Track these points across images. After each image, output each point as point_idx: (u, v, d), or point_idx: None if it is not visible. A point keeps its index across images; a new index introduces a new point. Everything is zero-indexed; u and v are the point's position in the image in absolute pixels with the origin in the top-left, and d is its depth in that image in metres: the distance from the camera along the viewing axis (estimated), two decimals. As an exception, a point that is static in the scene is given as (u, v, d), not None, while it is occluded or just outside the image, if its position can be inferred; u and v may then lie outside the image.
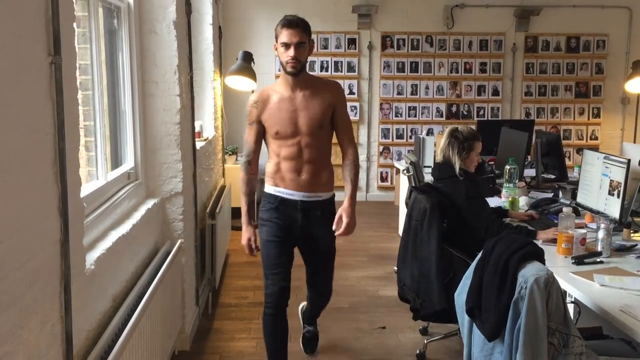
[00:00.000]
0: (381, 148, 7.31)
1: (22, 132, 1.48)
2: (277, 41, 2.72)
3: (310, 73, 2.90)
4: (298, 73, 2.72)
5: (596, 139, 7.28)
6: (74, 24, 1.88)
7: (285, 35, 2.67)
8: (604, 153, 3.27)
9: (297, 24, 2.68)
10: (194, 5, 4.09)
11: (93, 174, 2.69)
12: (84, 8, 2.58)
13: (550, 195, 3.88)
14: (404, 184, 5.46)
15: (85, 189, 2.30)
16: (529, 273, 1.96)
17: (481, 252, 2.26)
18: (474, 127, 5.90)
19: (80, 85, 2.37)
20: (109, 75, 2.89)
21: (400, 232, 4.52)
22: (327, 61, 7.13)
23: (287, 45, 2.68)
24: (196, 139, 3.96)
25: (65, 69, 1.71)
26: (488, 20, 7.04)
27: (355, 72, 7.19)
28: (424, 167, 5.02)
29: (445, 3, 7.02)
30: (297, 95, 2.77)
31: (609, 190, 3.06)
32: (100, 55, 2.69)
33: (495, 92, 7.23)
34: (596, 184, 3.20)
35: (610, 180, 3.06)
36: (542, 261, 2.05)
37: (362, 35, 7.17)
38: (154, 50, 3.09)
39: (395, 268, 3.41)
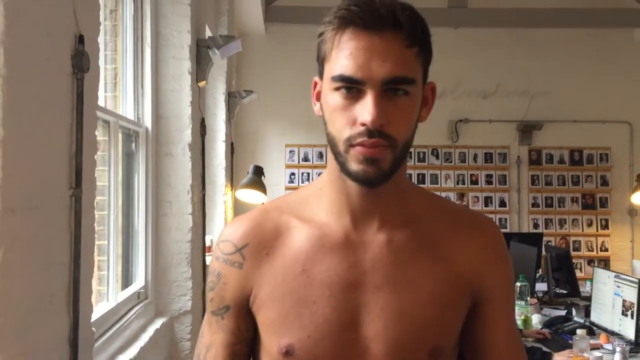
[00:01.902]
0: (390, 259, 7.29)
1: (39, 263, 1.52)
2: (320, 76, 0.95)
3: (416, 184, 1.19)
4: (385, 178, 0.92)
5: (606, 250, 7.24)
6: (95, 156, 1.97)
7: (351, 55, 0.88)
8: (615, 272, 3.26)
9: (393, 20, 0.87)
10: (208, 124, 4.27)
11: (103, 294, 2.71)
12: (105, 133, 2.71)
13: (563, 312, 3.82)
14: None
15: (96, 312, 2.31)
16: (545, 405, 1.91)
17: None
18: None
19: (97, 205, 2.45)
20: (125, 196, 2.98)
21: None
22: (335, 173, 7.30)
23: (352, 86, 0.88)
24: (206, 254, 3.99)
25: (84, 200, 1.78)
26: (491, 134, 7.25)
27: (363, 183, 7.33)
28: (434, 280, 4.99)
29: (450, 118, 7.26)
30: (369, 241, 0.98)
31: (623, 311, 3.02)
32: (117, 177, 2.80)
33: (502, 204, 7.30)
34: (609, 303, 3.16)
35: (623, 300, 3.03)
36: (558, 391, 2.00)
37: (369, 149, 7.36)
38: (169, 172, 3.19)
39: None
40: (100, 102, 2.39)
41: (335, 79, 0.89)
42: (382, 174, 0.90)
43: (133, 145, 3.04)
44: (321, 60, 0.94)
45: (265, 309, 0.97)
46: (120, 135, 2.81)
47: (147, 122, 3.08)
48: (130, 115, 2.95)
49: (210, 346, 1.03)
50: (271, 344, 0.96)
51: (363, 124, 0.87)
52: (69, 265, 1.69)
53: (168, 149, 3.20)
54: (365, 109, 0.87)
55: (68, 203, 1.69)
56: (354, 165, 0.90)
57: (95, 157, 1.98)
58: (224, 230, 1.05)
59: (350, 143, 0.90)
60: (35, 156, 1.48)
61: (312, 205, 1.01)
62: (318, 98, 0.96)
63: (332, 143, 0.93)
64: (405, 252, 0.96)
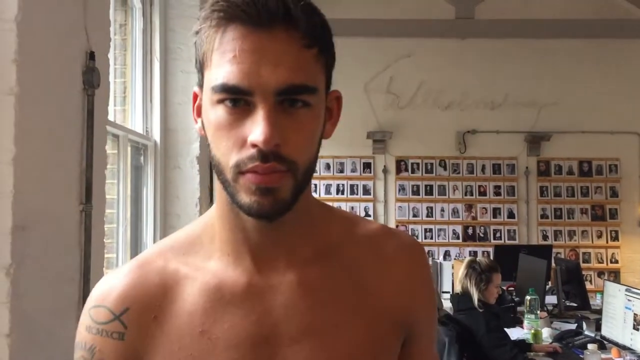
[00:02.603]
0: (398, 270, 7.26)
1: (49, 280, 1.52)
2: (200, 86, 0.76)
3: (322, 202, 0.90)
4: (285, 209, 0.73)
5: (617, 262, 7.18)
6: (105, 171, 1.98)
7: (234, 59, 0.70)
8: (625, 285, 3.23)
9: (285, 14, 0.70)
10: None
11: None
12: (114, 146, 2.72)
13: (573, 326, 3.78)
14: (422, 310, 5.37)
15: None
16: (557, 422, 1.88)
17: (505, 395, 2.18)
18: (490, 250, 5.89)
19: (106, 218, 2.47)
20: (133, 209, 2.99)
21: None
22: (342, 184, 7.29)
23: (239, 97, 0.70)
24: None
25: (94, 215, 1.79)
26: (499, 145, 7.23)
27: (370, 194, 7.32)
28: (442, 292, 4.96)
29: (457, 129, 7.26)
30: (277, 284, 0.79)
31: (634, 325, 2.99)
32: (126, 191, 2.81)
33: (511, 215, 7.26)
34: (620, 317, 3.13)
35: (634, 314, 2.99)
36: (570, 408, 1.98)
37: (376, 160, 7.37)
38: (177, 184, 3.20)
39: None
40: (110, 116, 2.40)
41: (217, 89, 0.70)
42: (281, 205, 0.72)
43: (142, 158, 3.06)
44: (199, 66, 0.75)
45: None
46: (129, 149, 2.83)
47: (156, 135, 3.09)
48: (139, 128, 2.97)
49: None
50: None
51: (254, 145, 0.69)
52: (79, 281, 1.69)
53: (176, 161, 3.21)
54: (256, 126, 0.69)
55: (78, 218, 1.70)
56: (246, 197, 0.71)
57: (105, 171, 1.99)
58: (93, 291, 0.80)
59: (239, 170, 0.71)
60: (46, 173, 1.49)
61: (204, 248, 0.80)
62: (199, 113, 0.76)
63: (217, 169, 0.73)
64: (322, 292, 0.79)
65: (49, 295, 1.51)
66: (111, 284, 0.79)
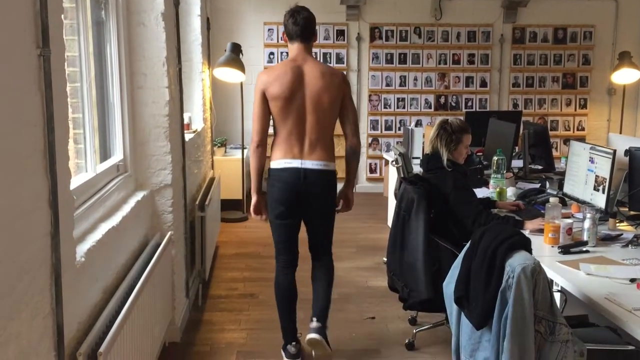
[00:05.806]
0: (370, 139, 7.33)
1: (10, 124, 1.48)
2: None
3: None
4: None
5: (583, 129, 7.34)
6: (62, 16, 1.87)
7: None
8: (590, 144, 3.31)
9: None
10: (182, -4, 4.07)
11: (82, 167, 2.69)
12: (72, -1, 2.56)
13: (537, 185, 3.92)
14: (392, 176, 5.49)
15: (75, 181, 2.30)
16: (516, 262, 1.99)
17: (469, 242, 2.28)
18: (462, 118, 5.93)
19: (69, 77, 2.37)
20: (97, 67, 2.88)
21: (389, 223, 4.55)
22: (315, 52, 7.12)
23: None
24: (185, 131, 3.95)
25: (54, 61, 1.71)
26: (476, 12, 7.07)
27: (343, 63, 7.20)
28: (413, 158, 5.04)
29: (433, -6, 7.03)
30: None
31: (595, 186, 3.10)
32: (88, 47, 2.68)
33: (483, 84, 7.26)
34: (582, 177, 3.23)
35: (596, 176, 3.08)
36: (529, 251, 2.08)
37: (350, 27, 7.17)
38: (142, 42, 3.07)
39: (385, 259, 3.44)
40: (64, -38, 2.23)
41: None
42: None
43: (103, 13, 2.90)
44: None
45: None
46: (88, 2, 2.67)
47: (116, -13, 2.91)
48: (97, -21, 2.78)
49: None
50: None
51: None
52: (42, 127, 1.65)
53: (140, 18, 3.05)
54: None
55: (36, 63, 1.62)
56: None
57: (63, 17, 1.88)
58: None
59: None
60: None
61: None
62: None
63: None
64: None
65: (12, 139, 1.47)
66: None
